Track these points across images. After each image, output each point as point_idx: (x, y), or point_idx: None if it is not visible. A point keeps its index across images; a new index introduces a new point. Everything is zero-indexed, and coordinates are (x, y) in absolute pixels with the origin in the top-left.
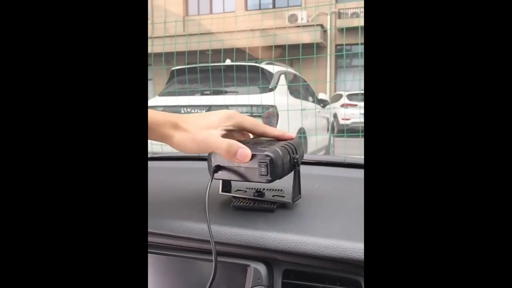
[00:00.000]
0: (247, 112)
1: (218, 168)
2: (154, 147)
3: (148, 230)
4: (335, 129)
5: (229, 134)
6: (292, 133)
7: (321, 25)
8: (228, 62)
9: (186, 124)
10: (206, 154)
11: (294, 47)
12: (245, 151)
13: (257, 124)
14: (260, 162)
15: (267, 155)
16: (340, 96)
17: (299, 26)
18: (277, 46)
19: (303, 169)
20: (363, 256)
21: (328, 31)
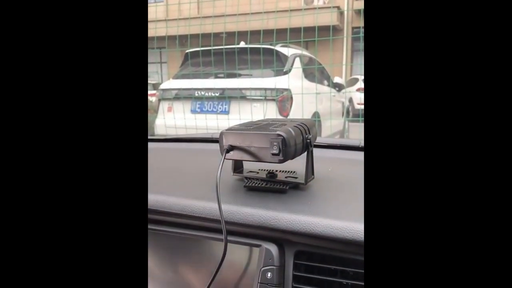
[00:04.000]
0: (260, 96)
1: (230, 148)
2: (168, 130)
3: (160, 209)
4: (350, 114)
5: None
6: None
7: (338, 7)
8: (242, 44)
9: None
10: (218, 136)
11: (309, 29)
12: None
13: None
14: (272, 142)
15: (279, 135)
16: (356, 80)
17: (315, 8)
18: (292, 29)
19: (317, 152)
20: None
21: (345, 13)
